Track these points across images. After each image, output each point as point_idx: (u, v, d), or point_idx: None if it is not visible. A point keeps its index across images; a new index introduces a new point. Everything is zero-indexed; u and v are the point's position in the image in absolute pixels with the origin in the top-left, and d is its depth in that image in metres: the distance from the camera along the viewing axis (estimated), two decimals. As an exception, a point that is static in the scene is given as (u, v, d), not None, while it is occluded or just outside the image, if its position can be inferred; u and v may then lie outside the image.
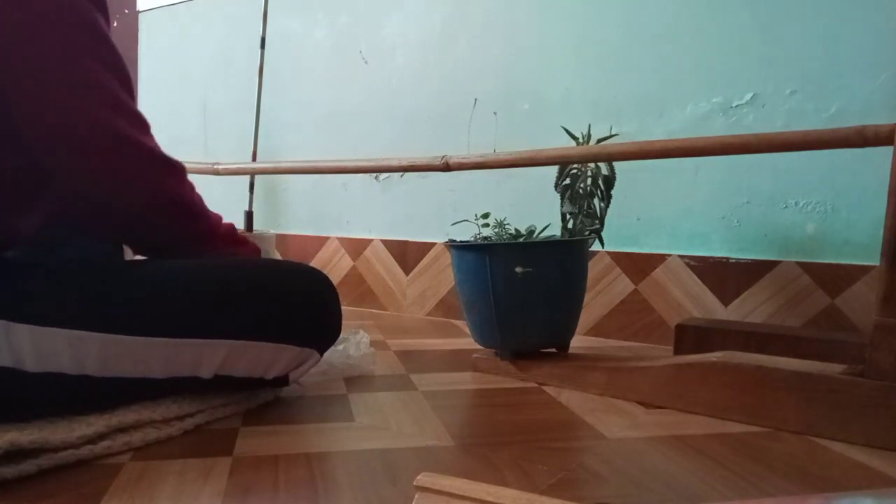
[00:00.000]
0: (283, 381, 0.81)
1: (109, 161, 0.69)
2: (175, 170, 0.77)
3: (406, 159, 1.13)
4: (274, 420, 0.78)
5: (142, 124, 0.73)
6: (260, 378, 0.78)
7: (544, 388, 0.95)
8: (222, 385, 0.77)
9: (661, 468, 0.66)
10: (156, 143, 0.74)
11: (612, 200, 1.07)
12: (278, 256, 1.80)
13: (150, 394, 0.72)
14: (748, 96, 1.20)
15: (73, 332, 0.65)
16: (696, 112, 1.25)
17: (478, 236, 1.05)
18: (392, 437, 0.73)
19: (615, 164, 1.05)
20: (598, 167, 1.05)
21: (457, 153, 1.08)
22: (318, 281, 0.84)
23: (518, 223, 1.06)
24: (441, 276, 1.56)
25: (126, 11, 2.25)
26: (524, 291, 0.95)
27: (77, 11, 0.67)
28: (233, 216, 1.86)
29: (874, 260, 1.05)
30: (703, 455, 0.70)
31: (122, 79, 0.71)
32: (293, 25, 1.84)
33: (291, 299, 0.79)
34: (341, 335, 1.05)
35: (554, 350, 1.03)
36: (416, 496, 0.48)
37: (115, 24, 2.28)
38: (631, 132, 1.30)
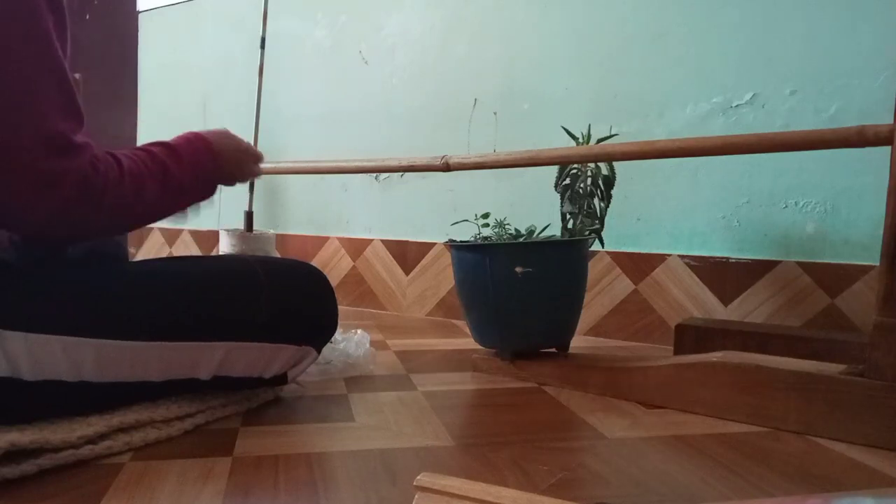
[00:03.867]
0: (281, 379, 0.81)
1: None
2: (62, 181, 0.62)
3: (406, 159, 1.13)
4: (274, 420, 0.78)
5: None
6: (259, 377, 0.78)
7: (544, 388, 0.95)
8: (221, 385, 0.77)
9: (661, 468, 0.66)
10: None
11: (612, 200, 1.07)
12: (277, 256, 1.80)
13: (149, 396, 0.72)
14: (748, 96, 1.20)
15: (67, 338, 0.64)
16: (696, 112, 1.25)
17: (478, 236, 1.05)
18: (392, 437, 0.73)
19: (615, 164, 1.05)
20: (598, 167, 1.05)
21: (457, 153, 1.08)
22: (314, 279, 0.84)
23: (518, 223, 1.06)
24: (441, 276, 1.56)
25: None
26: (524, 291, 0.95)
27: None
28: (233, 216, 1.86)
29: (874, 260, 1.04)
30: (703, 455, 0.70)
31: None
32: (293, 25, 1.84)
33: (288, 300, 0.79)
34: (341, 335, 1.05)
35: (554, 350, 1.03)
36: (416, 496, 0.48)
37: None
38: (631, 132, 1.30)
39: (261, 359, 0.77)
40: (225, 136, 0.87)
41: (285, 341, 0.79)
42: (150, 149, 0.75)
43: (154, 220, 0.78)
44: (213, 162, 0.81)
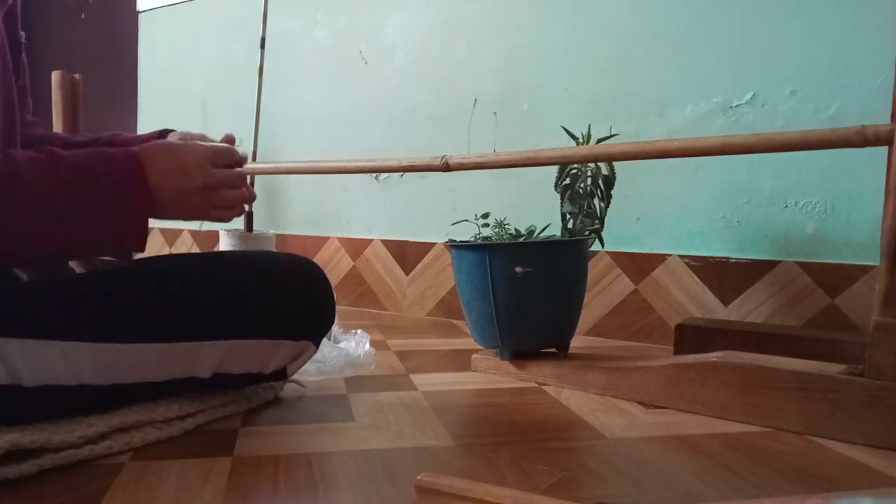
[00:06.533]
0: (281, 374, 0.81)
1: None
2: None
3: (406, 159, 1.13)
4: (274, 420, 0.78)
5: None
6: (258, 373, 0.78)
7: (544, 387, 0.95)
8: (221, 383, 0.77)
9: (661, 468, 0.66)
10: None
11: (612, 200, 1.07)
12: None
13: (149, 396, 0.72)
14: (748, 96, 1.20)
15: (65, 343, 0.64)
16: (696, 112, 1.25)
17: (478, 236, 1.05)
18: (392, 437, 0.73)
19: (615, 164, 1.05)
20: (598, 167, 1.05)
21: (457, 153, 1.08)
22: (310, 273, 0.84)
23: (518, 223, 1.06)
24: (441, 276, 1.56)
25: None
26: (524, 291, 0.95)
27: None
28: (233, 216, 1.86)
29: (874, 260, 1.05)
30: (703, 455, 0.70)
31: None
32: (293, 25, 1.84)
33: (285, 296, 0.79)
34: (342, 335, 1.05)
35: (554, 350, 1.03)
36: (416, 496, 0.48)
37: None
38: (631, 132, 1.30)
39: (260, 355, 0.77)
40: (167, 151, 0.67)
41: (284, 337, 0.79)
42: (32, 155, 0.61)
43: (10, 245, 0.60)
44: (134, 189, 0.64)
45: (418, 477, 0.48)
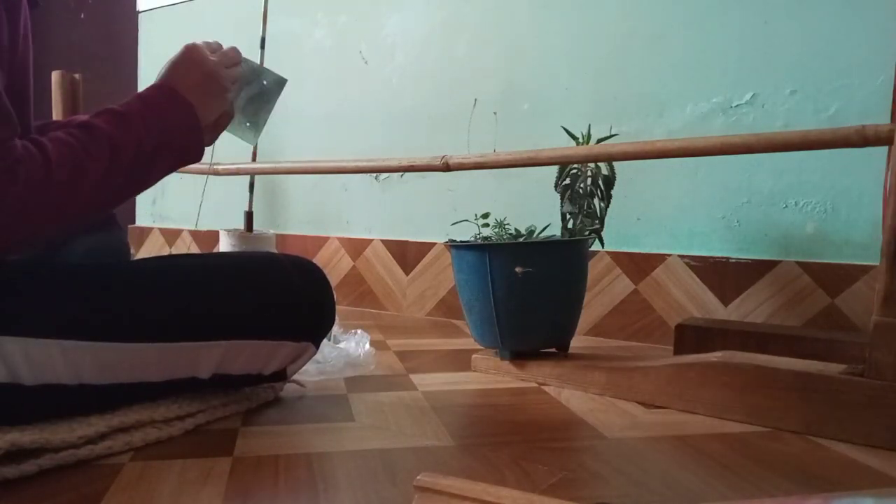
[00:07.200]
0: (280, 375, 0.81)
1: None
2: None
3: (406, 159, 1.13)
4: (274, 420, 0.78)
5: None
6: (258, 374, 0.78)
7: (544, 387, 0.95)
8: (221, 384, 0.77)
9: (661, 468, 0.66)
10: None
11: (612, 200, 1.07)
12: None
13: (149, 396, 0.72)
14: (748, 96, 1.20)
15: (65, 342, 0.64)
16: (696, 112, 1.25)
17: (478, 236, 1.05)
18: (392, 437, 0.73)
19: (615, 164, 1.05)
20: (598, 167, 1.05)
21: (457, 153, 1.08)
22: (311, 274, 0.84)
23: (518, 223, 1.06)
24: (441, 276, 1.56)
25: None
26: (524, 291, 0.95)
27: None
28: (233, 216, 1.87)
29: (874, 260, 1.04)
30: (703, 455, 0.70)
31: None
32: (293, 25, 1.84)
33: (285, 296, 0.79)
34: (342, 335, 1.05)
35: (554, 350, 1.03)
36: (416, 496, 0.48)
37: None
38: (631, 132, 1.30)
39: (260, 356, 0.77)
40: (184, 76, 0.79)
41: (284, 338, 0.79)
42: (92, 123, 0.66)
43: (119, 201, 0.69)
44: (187, 117, 0.74)
45: (418, 477, 0.48)
